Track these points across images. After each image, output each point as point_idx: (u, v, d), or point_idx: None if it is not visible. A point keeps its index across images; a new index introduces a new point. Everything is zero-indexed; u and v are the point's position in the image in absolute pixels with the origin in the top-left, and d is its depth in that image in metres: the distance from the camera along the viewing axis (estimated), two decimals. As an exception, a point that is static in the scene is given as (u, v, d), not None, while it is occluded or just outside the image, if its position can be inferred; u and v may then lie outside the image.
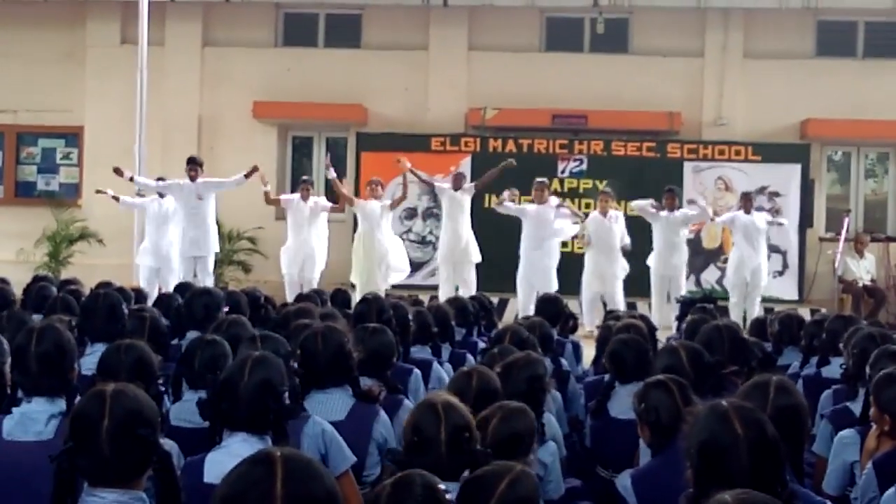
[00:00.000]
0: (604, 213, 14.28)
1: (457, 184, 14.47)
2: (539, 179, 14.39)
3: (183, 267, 13.93)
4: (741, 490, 2.54)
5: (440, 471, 3.41)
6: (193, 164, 14.26)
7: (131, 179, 14.37)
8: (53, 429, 3.89)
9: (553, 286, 13.19)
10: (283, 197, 15.26)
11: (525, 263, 14.11)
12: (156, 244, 14.28)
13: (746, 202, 14.53)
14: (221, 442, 3.94)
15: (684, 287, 14.28)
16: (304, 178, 15.42)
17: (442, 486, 2.80)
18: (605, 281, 14.15)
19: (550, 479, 4.66)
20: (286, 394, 4.03)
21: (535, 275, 13.88)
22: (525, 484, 3.26)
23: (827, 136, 17.16)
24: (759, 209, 15.11)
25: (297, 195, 14.84)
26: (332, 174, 14.52)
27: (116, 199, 14.56)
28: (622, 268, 14.27)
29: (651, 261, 14.29)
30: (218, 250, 14.70)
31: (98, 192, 14.78)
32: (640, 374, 5.54)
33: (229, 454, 3.68)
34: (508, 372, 4.93)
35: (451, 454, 3.56)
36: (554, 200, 14.40)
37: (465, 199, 14.43)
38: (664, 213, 14.13)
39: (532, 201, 14.32)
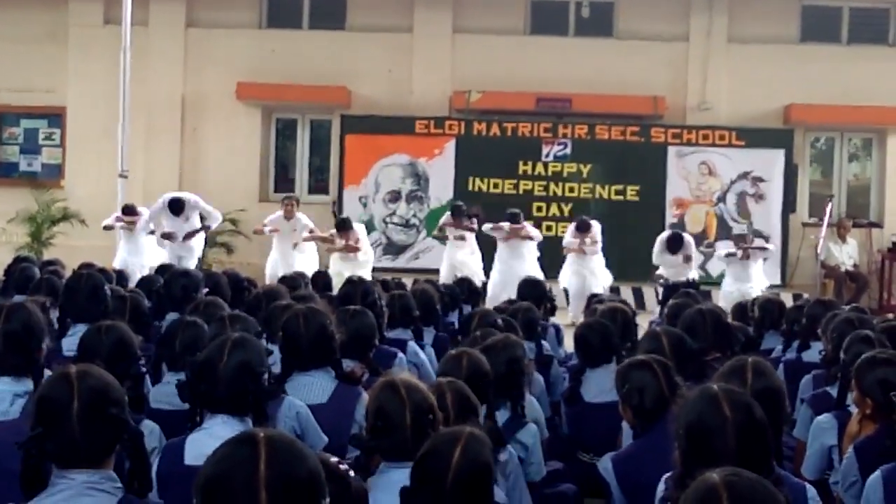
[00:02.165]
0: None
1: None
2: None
3: None
4: (729, 468, 2.55)
5: (405, 452, 3.43)
6: (176, 208, 13.76)
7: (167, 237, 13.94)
8: (19, 408, 3.87)
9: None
10: (266, 224, 14.60)
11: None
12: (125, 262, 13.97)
13: (745, 251, 13.61)
14: (202, 423, 3.94)
15: None
16: (287, 195, 15.17)
17: (334, 460, 2.82)
18: (585, 281, 13.65)
19: (532, 462, 4.68)
20: (265, 375, 4.02)
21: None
22: (477, 447, 3.27)
23: (810, 122, 17.18)
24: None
25: (280, 213, 14.52)
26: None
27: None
28: (604, 275, 13.86)
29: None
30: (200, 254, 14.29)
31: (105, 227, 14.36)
32: (608, 358, 5.59)
33: (210, 436, 3.66)
34: (487, 355, 4.94)
35: (416, 436, 3.52)
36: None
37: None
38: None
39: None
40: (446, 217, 14.47)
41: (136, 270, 13.53)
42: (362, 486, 2.82)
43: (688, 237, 13.74)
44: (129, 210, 14.01)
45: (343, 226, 14.14)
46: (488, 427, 4.20)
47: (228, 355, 3.93)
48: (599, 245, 13.86)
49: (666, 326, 5.44)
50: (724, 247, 14.57)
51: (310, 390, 4.69)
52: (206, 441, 3.60)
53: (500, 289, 13.12)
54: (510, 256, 13.62)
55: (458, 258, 14.06)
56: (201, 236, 14.14)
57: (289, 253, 14.25)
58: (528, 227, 14.01)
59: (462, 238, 14.08)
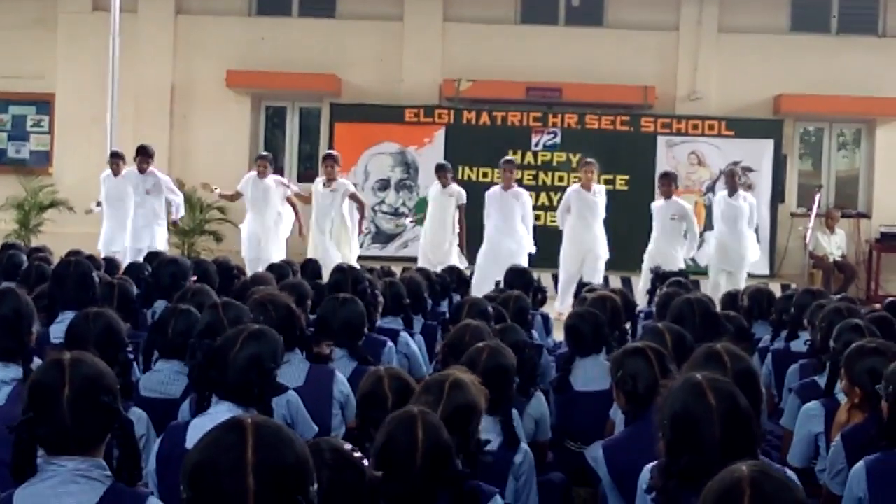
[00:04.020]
0: (587, 186, 13.63)
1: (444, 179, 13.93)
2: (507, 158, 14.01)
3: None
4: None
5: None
6: (144, 156, 13.38)
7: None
8: (6, 395, 3.86)
9: None
10: (239, 186, 14.01)
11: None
12: (113, 229, 13.83)
13: (731, 181, 13.71)
14: (209, 409, 3.96)
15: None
16: (262, 154, 14.45)
17: (348, 447, 2.82)
18: (585, 261, 13.51)
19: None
20: (275, 370, 4.03)
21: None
22: (434, 422, 3.28)
23: (800, 112, 17.20)
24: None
25: (252, 173, 13.95)
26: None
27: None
28: (604, 248, 13.64)
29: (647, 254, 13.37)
30: (166, 248, 13.58)
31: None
32: (598, 347, 5.60)
33: (213, 421, 3.61)
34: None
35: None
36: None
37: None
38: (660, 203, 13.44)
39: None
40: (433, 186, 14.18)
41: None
42: (376, 475, 2.82)
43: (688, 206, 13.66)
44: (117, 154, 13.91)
45: (330, 156, 13.77)
46: (502, 424, 4.22)
47: (241, 346, 3.99)
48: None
49: (668, 323, 5.40)
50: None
51: (285, 375, 4.68)
52: (208, 426, 3.57)
53: (489, 265, 13.12)
54: (499, 230, 13.50)
55: (434, 246, 13.85)
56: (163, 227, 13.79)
57: (264, 220, 13.67)
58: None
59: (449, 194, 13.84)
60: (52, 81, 17.71)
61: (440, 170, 14.04)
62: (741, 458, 2.72)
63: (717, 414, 3.19)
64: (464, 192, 13.95)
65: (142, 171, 13.45)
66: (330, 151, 14.35)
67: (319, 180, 13.77)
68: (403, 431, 3.21)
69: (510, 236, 13.43)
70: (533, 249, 13.59)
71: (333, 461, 2.71)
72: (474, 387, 3.77)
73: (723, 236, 13.65)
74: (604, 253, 13.68)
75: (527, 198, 13.74)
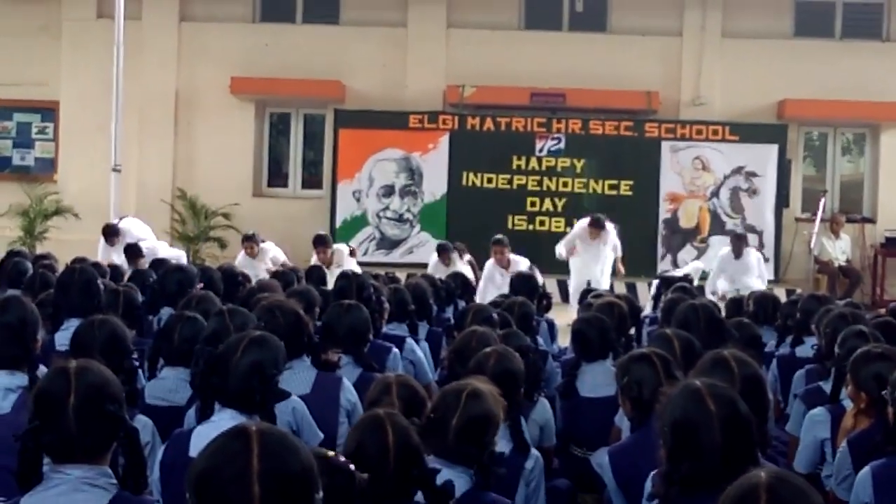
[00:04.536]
0: (593, 238, 13.60)
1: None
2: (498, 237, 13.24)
3: None
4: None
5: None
6: (132, 255, 12.27)
7: None
8: (11, 403, 3.86)
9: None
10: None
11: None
12: None
13: (738, 243, 13.85)
14: (211, 416, 3.95)
15: None
16: (247, 234, 13.95)
17: (331, 454, 2.83)
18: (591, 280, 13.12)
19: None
20: (277, 377, 4.02)
21: None
22: (403, 423, 3.28)
23: (804, 117, 17.18)
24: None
25: (241, 253, 13.69)
26: None
27: None
28: (607, 278, 13.62)
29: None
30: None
31: None
32: (605, 353, 5.59)
33: (216, 429, 3.61)
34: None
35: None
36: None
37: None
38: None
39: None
40: (433, 261, 13.62)
41: None
42: (363, 477, 2.82)
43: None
44: (112, 231, 13.36)
45: (320, 241, 13.40)
46: (511, 429, 4.21)
47: (243, 353, 3.97)
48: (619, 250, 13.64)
49: (676, 329, 5.39)
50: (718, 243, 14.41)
51: (292, 383, 4.67)
52: (211, 434, 3.56)
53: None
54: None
55: None
56: None
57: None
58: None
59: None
60: (57, 89, 17.73)
61: (442, 252, 13.57)
62: (742, 464, 2.72)
63: (718, 420, 3.19)
64: (468, 268, 13.16)
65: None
66: (320, 234, 13.70)
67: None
68: (373, 435, 3.22)
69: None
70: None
71: (323, 469, 2.72)
72: (492, 397, 3.75)
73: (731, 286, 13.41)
74: (606, 283, 13.53)
75: (525, 264, 12.95)
